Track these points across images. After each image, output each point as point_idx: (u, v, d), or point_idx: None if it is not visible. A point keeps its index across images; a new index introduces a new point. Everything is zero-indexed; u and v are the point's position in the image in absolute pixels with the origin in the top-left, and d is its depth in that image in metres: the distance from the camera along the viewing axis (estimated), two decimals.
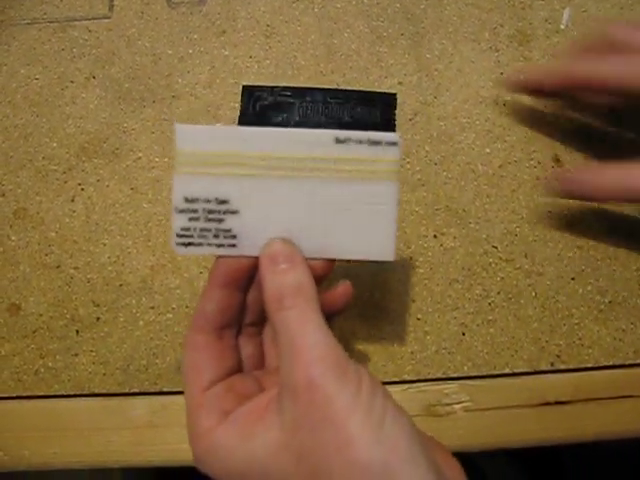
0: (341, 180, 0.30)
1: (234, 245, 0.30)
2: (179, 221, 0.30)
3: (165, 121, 0.45)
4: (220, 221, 0.30)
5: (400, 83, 0.46)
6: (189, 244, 0.30)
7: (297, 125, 0.44)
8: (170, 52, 0.47)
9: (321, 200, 0.30)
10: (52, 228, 0.43)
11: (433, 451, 0.28)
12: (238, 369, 0.32)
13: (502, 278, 0.42)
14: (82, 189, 0.44)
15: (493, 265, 0.42)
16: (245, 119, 0.44)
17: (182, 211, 0.30)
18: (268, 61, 0.46)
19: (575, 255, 0.43)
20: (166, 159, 0.44)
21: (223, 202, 0.30)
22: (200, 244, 0.30)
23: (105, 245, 0.43)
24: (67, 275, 0.43)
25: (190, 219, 0.30)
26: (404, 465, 0.25)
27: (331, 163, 0.30)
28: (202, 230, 0.30)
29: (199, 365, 0.30)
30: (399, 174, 0.30)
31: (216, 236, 0.30)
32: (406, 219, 0.43)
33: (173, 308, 0.42)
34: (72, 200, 0.44)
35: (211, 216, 0.30)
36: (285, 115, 0.44)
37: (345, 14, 0.47)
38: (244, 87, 0.45)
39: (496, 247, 0.43)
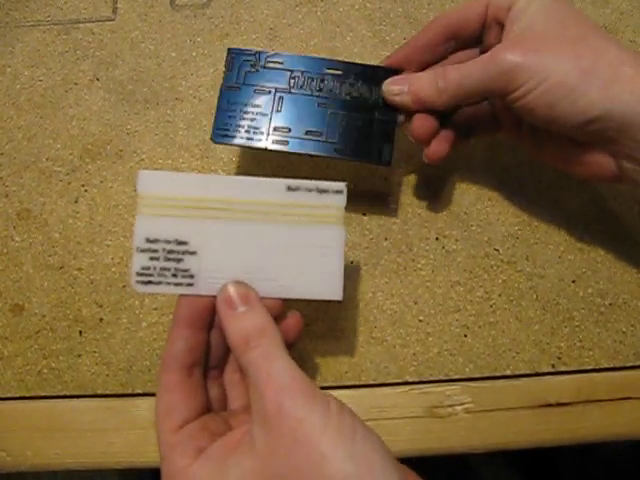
0: (292, 224, 0.32)
1: (191, 284, 0.32)
2: (140, 260, 0.31)
3: (169, 123, 0.45)
4: (179, 261, 0.31)
5: None
6: (149, 282, 0.31)
7: (284, 98, 0.39)
8: (174, 54, 0.47)
9: (273, 243, 0.32)
10: (55, 229, 0.43)
11: (404, 471, 0.29)
12: (208, 409, 0.32)
13: (504, 280, 0.42)
14: (85, 190, 0.44)
15: (495, 267, 0.43)
16: (228, 87, 0.39)
17: (143, 250, 0.31)
18: None
19: (576, 258, 0.43)
20: (169, 161, 0.45)
21: (182, 243, 0.31)
22: (159, 282, 0.31)
23: (109, 246, 0.43)
24: (70, 276, 0.43)
25: (150, 258, 0.31)
26: (378, 479, 0.26)
27: (283, 208, 0.32)
28: (161, 269, 0.31)
29: (171, 405, 0.30)
30: (344, 219, 0.32)
31: (174, 275, 0.31)
32: (409, 222, 0.43)
33: None
34: (76, 201, 0.44)
35: (170, 256, 0.31)
36: (273, 86, 0.39)
37: (348, 18, 0.48)
38: (229, 50, 0.40)
39: (498, 250, 0.43)
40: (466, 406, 0.41)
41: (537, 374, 0.41)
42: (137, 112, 0.46)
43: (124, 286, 0.42)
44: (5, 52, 0.47)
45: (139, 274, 0.31)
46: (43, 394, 0.41)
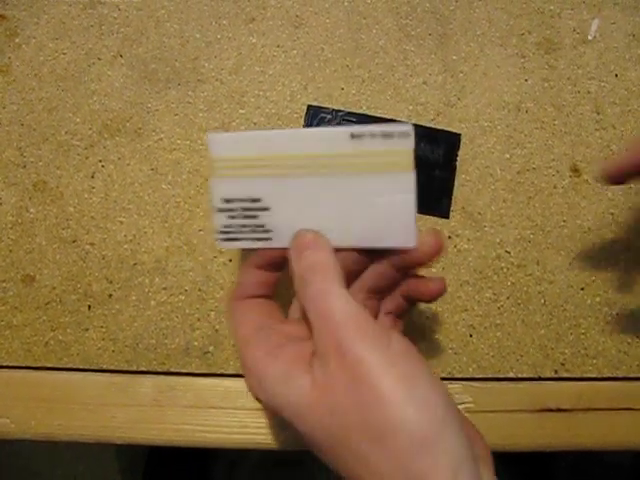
0: (359, 173, 0.31)
1: (269, 239, 0.33)
2: (220, 219, 0.33)
3: (189, 104, 0.45)
4: (255, 217, 0.33)
5: (424, 83, 0.46)
6: (231, 239, 0.33)
7: None
8: (198, 36, 0.47)
9: (342, 193, 0.32)
10: (71, 203, 0.44)
11: (465, 423, 0.28)
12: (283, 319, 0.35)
13: (513, 283, 0.43)
14: (102, 166, 0.44)
15: (505, 270, 0.43)
16: None
17: (221, 210, 0.33)
18: (295, 51, 0.47)
19: (586, 265, 0.43)
20: (187, 142, 0.45)
21: (256, 200, 0.32)
22: (241, 238, 0.33)
23: (122, 223, 0.43)
24: (82, 250, 0.43)
25: (229, 217, 0.33)
26: (439, 426, 0.25)
27: (349, 158, 0.31)
28: (240, 226, 0.33)
29: (247, 315, 0.34)
30: (414, 163, 0.31)
31: (253, 231, 0.33)
32: (422, 218, 0.43)
33: (186, 290, 0.42)
34: (92, 176, 0.44)
35: (247, 213, 0.33)
36: None
37: (375, 10, 0.48)
38: (309, 107, 0.45)
39: (509, 252, 0.43)
40: (466, 405, 0.41)
41: (540, 378, 0.41)
42: (158, 91, 0.46)
43: (135, 264, 0.43)
44: (30, 23, 0.47)
45: (221, 232, 0.33)
46: (49, 365, 0.42)
